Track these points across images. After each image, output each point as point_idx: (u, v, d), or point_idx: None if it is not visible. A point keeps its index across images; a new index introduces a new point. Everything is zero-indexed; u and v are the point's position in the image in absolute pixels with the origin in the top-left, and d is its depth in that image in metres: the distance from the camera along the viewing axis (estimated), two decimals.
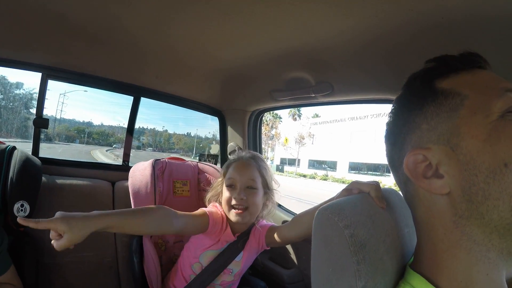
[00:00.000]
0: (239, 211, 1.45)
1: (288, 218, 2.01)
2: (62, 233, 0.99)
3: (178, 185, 1.92)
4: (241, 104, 2.29)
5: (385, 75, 1.39)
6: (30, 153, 1.79)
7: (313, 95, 1.69)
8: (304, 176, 35.52)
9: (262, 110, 2.30)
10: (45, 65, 1.91)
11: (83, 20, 1.40)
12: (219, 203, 1.60)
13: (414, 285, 0.62)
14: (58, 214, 1.01)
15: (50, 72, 1.94)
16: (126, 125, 2.28)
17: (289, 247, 1.94)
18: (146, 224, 1.25)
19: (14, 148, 1.63)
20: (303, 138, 38.42)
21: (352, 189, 0.91)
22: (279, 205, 2.11)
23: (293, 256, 1.92)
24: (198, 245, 1.56)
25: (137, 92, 2.21)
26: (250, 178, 1.50)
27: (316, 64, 1.52)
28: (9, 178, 1.52)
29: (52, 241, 1.01)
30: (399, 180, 0.69)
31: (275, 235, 1.47)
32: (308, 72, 1.60)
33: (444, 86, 0.61)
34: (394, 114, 0.69)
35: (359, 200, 0.72)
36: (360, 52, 1.30)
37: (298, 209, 1.81)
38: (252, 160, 1.57)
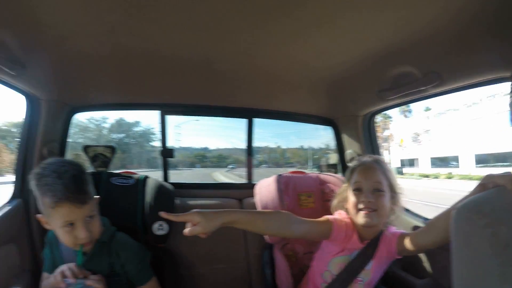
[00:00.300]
0: (367, 212, 1.45)
1: (418, 223, 1.90)
2: (196, 223, 1.20)
3: (303, 197, 1.97)
4: (351, 109, 2.26)
5: (495, 52, 1.26)
6: (161, 180, 2.03)
7: (423, 88, 1.60)
8: (427, 176, 33.09)
9: (373, 112, 2.24)
10: (162, 103, 2.15)
11: (189, 59, 1.55)
12: (344, 210, 1.60)
13: None
14: (193, 210, 1.23)
15: (167, 109, 2.19)
16: (240, 147, 2.42)
17: (422, 254, 1.82)
18: (267, 225, 1.40)
19: (146, 177, 1.87)
20: (419, 135, 36.08)
21: (487, 183, 0.83)
22: (407, 210, 2.02)
23: (426, 264, 1.79)
24: (326, 252, 1.59)
25: (249, 114, 2.33)
26: (376, 181, 1.49)
27: (420, 55, 1.45)
28: (146, 203, 1.74)
29: (187, 229, 1.21)
30: None
31: (408, 243, 1.42)
32: (413, 65, 1.53)
33: None
34: None
35: (497, 195, 0.66)
36: (462, 32, 1.21)
37: (427, 214, 1.71)
38: (376, 163, 1.57)
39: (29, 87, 1.80)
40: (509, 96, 0.64)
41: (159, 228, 1.73)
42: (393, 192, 1.55)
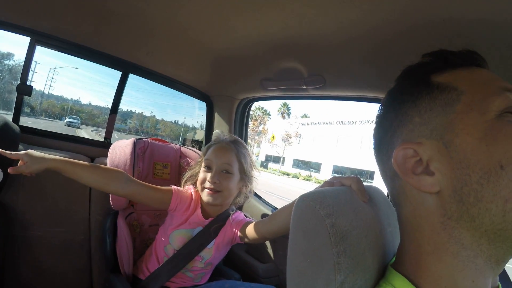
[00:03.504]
0: (211, 192, 1.46)
1: (268, 211, 1.99)
2: (24, 162, 1.24)
3: (159, 167, 1.87)
4: (230, 91, 2.25)
5: (378, 73, 1.36)
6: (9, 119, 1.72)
7: (305, 87, 1.66)
8: (288, 174, 35.70)
9: (252, 99, 2.27)
10: (33, 30, 1.83)
11: None
12: (194, 184, 1.60)
13: (396, 286, 0.58)
14: (29, 150, 1.27)
15: (39, 38, 1.87)
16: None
17: (267, 242, 1.92)
18: (93, 178, 1.37)
19: None
20: (290, 137, 38.58)
21: (334, 182, 0.85)
22: (259, 198, 2.10)
23: (270, 250, 1.90)
24: (168, 224, 1.56)
25: (126, 67, 2.14)
26: (226, 162, 1.50)
27: (309, 55, 1.50)
28: None
29: (11, 167, 1.24)
30: (385, 175, 0.65)
31: (250, 231, 1.44)
32: (301, 63, 1.57)
33: (441, 80, 0.58)
34: (385, 106, 0.66)
35: (342, 192, 0.68)
36: (354, 46, 1.28)
37: (279, 206, 1.80)
38: (232, 144, 1.56)
39: None
40: (378, 109, 0.67)
41: None
42: (244, 175, 1.57)
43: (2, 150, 1.23)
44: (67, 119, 23.83)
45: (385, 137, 0.64)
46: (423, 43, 1.06)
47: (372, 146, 0.69)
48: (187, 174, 1.65)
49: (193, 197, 1.54)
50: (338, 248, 0.55)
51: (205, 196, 1.47)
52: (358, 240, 0.59)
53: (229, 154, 1.52)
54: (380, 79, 1.37)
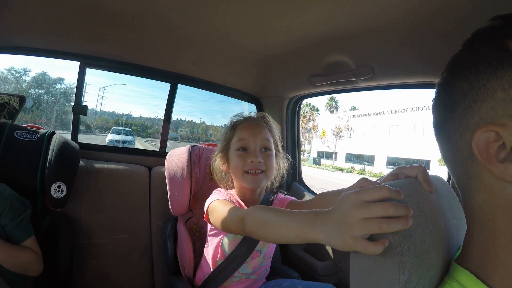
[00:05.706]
0: (255, 174, 1.33)
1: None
2: None
3: None
4: (278, 90, 2.25)
5: (428, 57, 1.29)
6: (69, 138, 1.85)
7: (354, 79, 1.62)
8: (341, 170, 34.98)
9: (301, 96, 2.25)
10: (82, 54, 1.96)
11: (116, 6, 1.42)
12: (222, 178, 1.50)
13: (462, 282, 0.54)
14: None
15: (88, 61, 2.00)
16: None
17: None
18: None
19: (53, 132, 1.68)
20: (341, 131, 37.86)
21: (398, 174, 0.81)
22: (307, 188, 2.10)
23: (328, 248, 1.87)
24: (217, 231, 1.44)
25: (174, 79, 2.23)
26: (265, 138, 1.38)
27: (356, 46, 1.46)
28: (48, 161, 1.56)
29: None
30: (453, 157, 0.57)
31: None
32: (348, 55, 1.54)
33: None
34: (452, 73, 0.57)
35: (405, 186, 0.65)
36: (403, 33, 1.22)
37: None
38: (262, 120, 1.47)
39: None
40: (441, 76, 0.60)
41: (57, 190, 1.56)
42: (277, 151, 1.46)
43: None
44: (109, 137, 20.12)
45: (454, 112, 0.55)
46: (473, 22, 0.99)
47: (431, 125, 0.63)
48: (218, 178, 1.53)
49: (231, 200, 1.34)
50: (402, 247, 0.53)
51: (249, 181, 1.33)
52: (422, 237, 0.56)
53: (264, 129, 1.40)
54: (431, 63, 1.31)
